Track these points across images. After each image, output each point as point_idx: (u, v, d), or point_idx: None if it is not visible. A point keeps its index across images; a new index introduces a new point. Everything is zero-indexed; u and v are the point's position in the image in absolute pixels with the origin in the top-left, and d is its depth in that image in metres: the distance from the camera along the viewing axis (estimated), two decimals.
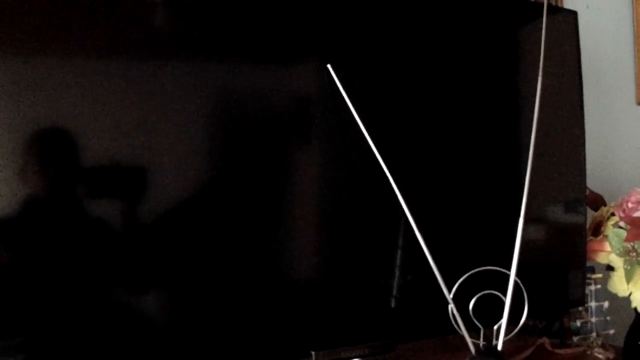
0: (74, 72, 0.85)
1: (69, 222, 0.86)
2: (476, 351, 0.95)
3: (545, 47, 1.07)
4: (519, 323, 0.97)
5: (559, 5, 1.50)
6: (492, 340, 0.96)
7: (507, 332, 0.95)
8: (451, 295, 0.94)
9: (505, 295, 0.95)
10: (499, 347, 0.95)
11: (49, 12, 0.84)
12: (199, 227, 0.94)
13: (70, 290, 0.86)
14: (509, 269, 0.95)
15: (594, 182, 1.38)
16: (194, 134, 0.94)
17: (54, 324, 0.85)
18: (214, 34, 0.94)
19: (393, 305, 1.07)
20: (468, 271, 0.95)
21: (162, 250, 0.92)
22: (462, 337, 0.96)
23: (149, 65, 0.90)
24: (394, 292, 1.07)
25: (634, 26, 1.74)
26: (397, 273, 1.07)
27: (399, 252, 1.07)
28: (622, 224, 1.27)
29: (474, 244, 1.14)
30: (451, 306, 0.94)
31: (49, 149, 0.86)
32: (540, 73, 1.01)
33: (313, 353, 0.98)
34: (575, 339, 1.30)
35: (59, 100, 0.84)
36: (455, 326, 0.95)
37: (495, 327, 0.95)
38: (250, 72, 0.98)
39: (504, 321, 0.95)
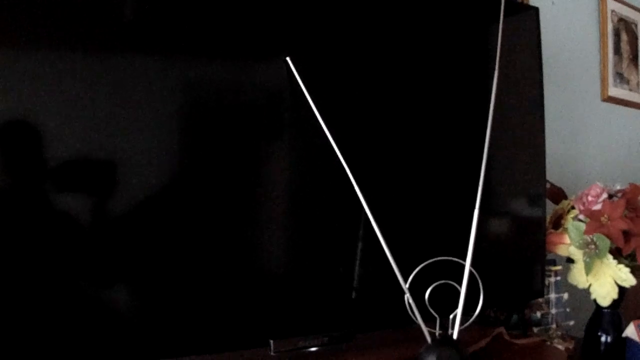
0: (41, 65, 0.85)
1: (35, 217, 0.86)
2: (432, 340, 0.96)
3: (505, 43, 1.09)
4: (475, 314, 0.99)
5: (525, 1, 1.52)
6: (448, 330, 0.97)
7: (464, 322, 0.97)
8: (407, 285, 0.95)
9: (461, 285, 0.96)
10: (455, 336, 0.97)
11: (16, 4, 0.84)
12: (157, 219, 0.94)
13: (35, 285, 0.85)
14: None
15: (557, 176, 1.40)
16: (160, 128, 0.94)
17: (20, 319, 0.85)
18: (178, 28, 0.95)
19: (353, 295, 1.08)
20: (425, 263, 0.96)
21: (125, 243, 0.92)
22: (420, 327, 0.98)
23: (116, 59, 0.90)
24: (354, 283, 1.08)
25: (599, 23, 1.77)
26: (357, 263, 1.08)
27: (360, 243, 1.08)
28: (581, 217, 1.29)
29: (434, 236, 1.15)
30: (407, 296, 0.96)
31: (15, 144, 0.86)
32: (496, 67, 1.02)
33: (271, 342, 0.99)
34: (535, 330, 1.32)
35: (26, 94, 0.84)
36: (412, 315, 0.96)
37: (451, 316, 0.97)
38: (215, 65, 0.98)
39: (459, 310, 0.97)
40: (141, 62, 0.92)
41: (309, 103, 0.99)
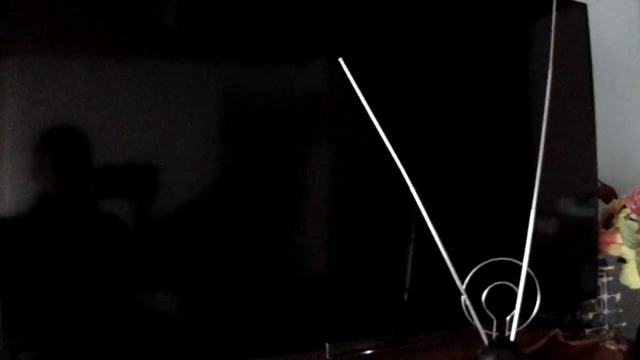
0: (86, 71, 0.86)
1: (81, 221, 0.87)
2: (489, 342, 0.95)
3: (555, 40, 1.07)
4: (531, 315, 0.97)
5: None
6: (504, 332, 0.96)
7: (519, 324, 0.96)
8: (464, 287, 0.94)
9: (517, 286, 0.95)
10: (512, 338, 0.95)
11: (62, 11, 0.85)
12: (217, 223, 0.95)
13: (82, 288, 0.87)
14: (521, 261, 0.95)
15: (605, 174, 1.37)
16: (207, 133, 0.94)
17: (66, 320, 0.86)
18: (226, 30, 0.95)
19: (406, 298, 1.08)
20: (480, 264, 0.95)
21: (178, 247, 0.93)
22: (473, 330, 0.97)
23: (160, 65, 0.91)
24: (407, 285, 1.08)
25: None
26: (409, 266, 1.08)
27: (411, 246, 1.08)
28: (633, 216, 1.27)
29: (485, 238, 1.14)
30: (464, 297, 0.95)
31: (62, 149, 0.87)
32: (550, 65, 1.01)
33: (327, 345, 0.99)
34: (587, 331, 1.30)
35: (72, 100, 0.85)
36: (468, 317, 0.95)
37: (508, 317, 0.95)
38: (262, 68, 0.98)
39: (516, 312, 0.95)
40: (187, 67, 0.93)
41: (361, 103, 0.98)
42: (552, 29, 1.02)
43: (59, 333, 0.86)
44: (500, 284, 0.95)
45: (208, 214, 0.94)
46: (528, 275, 0.96)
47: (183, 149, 0.92)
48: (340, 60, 0.98)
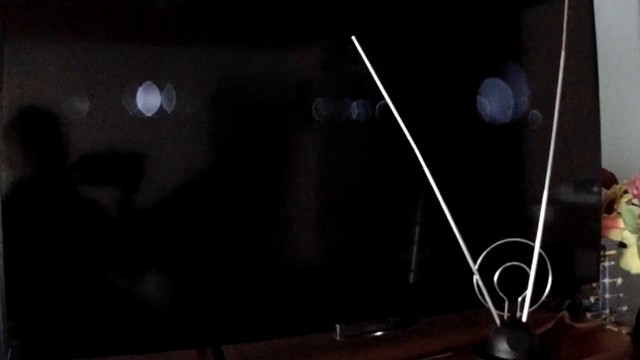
0: (69, 54, 0.84)
1: (65, 209, 0.85)
2: (501, 323, 0.95)
3: (558, 23, 1.07)
4: (538, 297, 0.98)
5: None
6: (514, 313, 0.96)
7: (529, 305, 0.96)
8: (476, 267, 0.94)
9: (528, 267, 0.95)
10: (524, 319, 0.96)
11: None
12: (228, 205, 0.94)
13: (67, 276, 0.85)
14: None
15: (605, 160, 1.38)
16: (203, 119, 0.93)
17: (51, 308, 0.84)
18: (224, 14, 0.93)
19: (415, 280, 1.07)
20: (486, 246, 0.95)
21: (193, 233, 0.92)
22: (480, 312, 0.97)
23: (148, 47, 0.89)
24: (415, 267, 1.07)
25: None
26: (416, 248, 1.07)
27: (421, 228, 1.07)
28: (635, 201, 1.28)
29: (488, 220, 1.14)
30: (476, 277, 0.95)
31: (42, 134, 0.84)
32: (563, 49, 1.01)
33: (337, 326, 0.99)
34: (588, 315, 1.31)
35: (53, 83, 0.83)
36: (480, 298, 0.95)
37: (520, 298, 0.96)
38: (259, 52, 0.97)
39: (528, 293, 0.96)
40: (181, 50, 0.91)
41: (373, 81, 0.97)
42: (565, 15, 1.02)
43: (44, 321, 0.84)
44: (508, 265, 0.95)
45: (220, 197, 0.93)
46: (542, 256, 0.96)
47: (186, 133, 0.91)
48: (353, 38, 0.98)
